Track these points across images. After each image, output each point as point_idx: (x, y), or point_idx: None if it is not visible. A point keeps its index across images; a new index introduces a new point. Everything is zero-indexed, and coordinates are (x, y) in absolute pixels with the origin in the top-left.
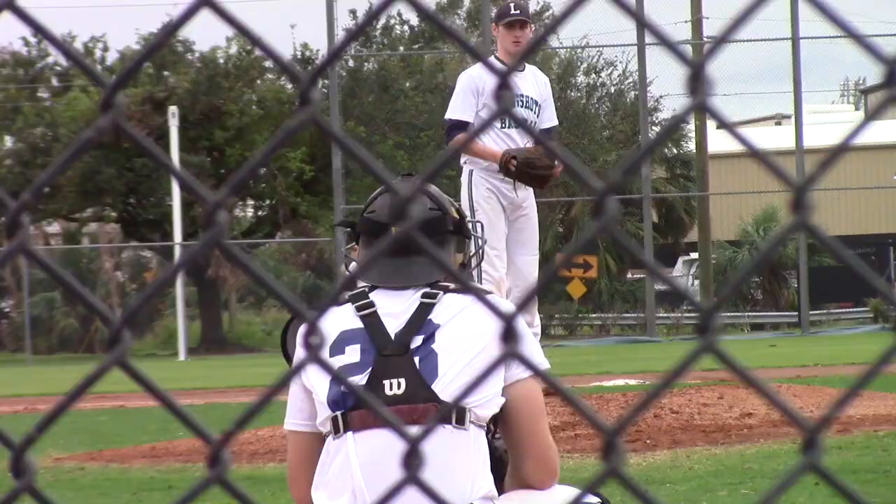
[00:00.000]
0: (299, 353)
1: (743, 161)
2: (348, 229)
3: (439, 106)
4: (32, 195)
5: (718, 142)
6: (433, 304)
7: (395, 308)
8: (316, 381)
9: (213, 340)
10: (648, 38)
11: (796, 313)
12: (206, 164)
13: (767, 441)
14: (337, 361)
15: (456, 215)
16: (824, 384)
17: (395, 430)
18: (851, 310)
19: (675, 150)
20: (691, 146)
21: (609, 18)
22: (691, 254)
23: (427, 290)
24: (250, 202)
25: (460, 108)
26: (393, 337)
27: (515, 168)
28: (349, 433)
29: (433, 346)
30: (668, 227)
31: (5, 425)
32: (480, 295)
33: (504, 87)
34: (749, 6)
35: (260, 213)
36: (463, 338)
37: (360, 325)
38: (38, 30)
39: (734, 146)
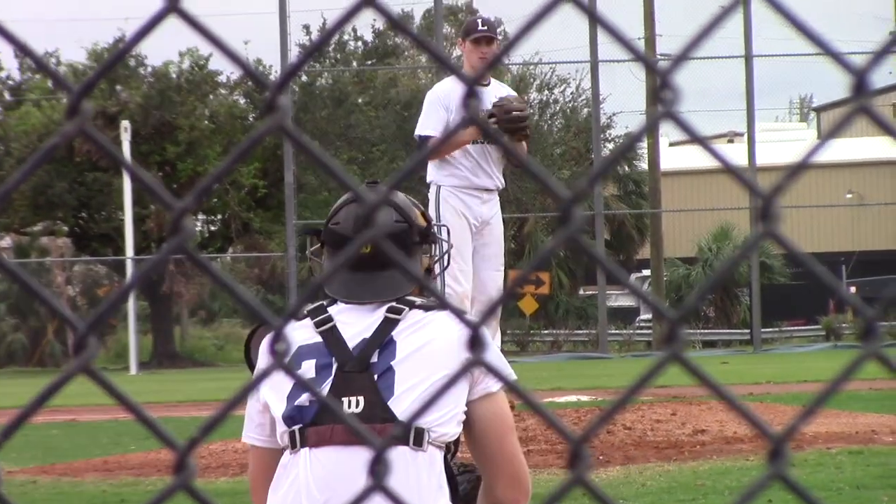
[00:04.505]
0: (262, 362)
1: (695, 178)
2: (314, 235)
3: (391, 121)
4: None
5: (671, 159)
6: (398, 321)
7: (358, 323)
8: (271, 397)
9: (164, 355)
10: (602, 55)
11: (748, 331)
12: (158, 179)
13: (720, 457)
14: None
15: (423, 221)
16: (777, 401)
17: (361, 438)
18: (803, 328)
19: (626, 168)
20: (643, 165)
21: (562, 35)
22: (643, 271)
23: (393, 304)
24: (201, 217)
25: (430, 122)
26: (354, 352)
27: (500, 123)
28: (304, 449)
29: (392, 362)
30: (618, 244)
31: None
32: (446, 303)
33: (471, 96)
34: (707, 25)
35: (212, 227)
36: (423, 354)
37: (318, 339)
38: (6, 36)
39: (687, 164)
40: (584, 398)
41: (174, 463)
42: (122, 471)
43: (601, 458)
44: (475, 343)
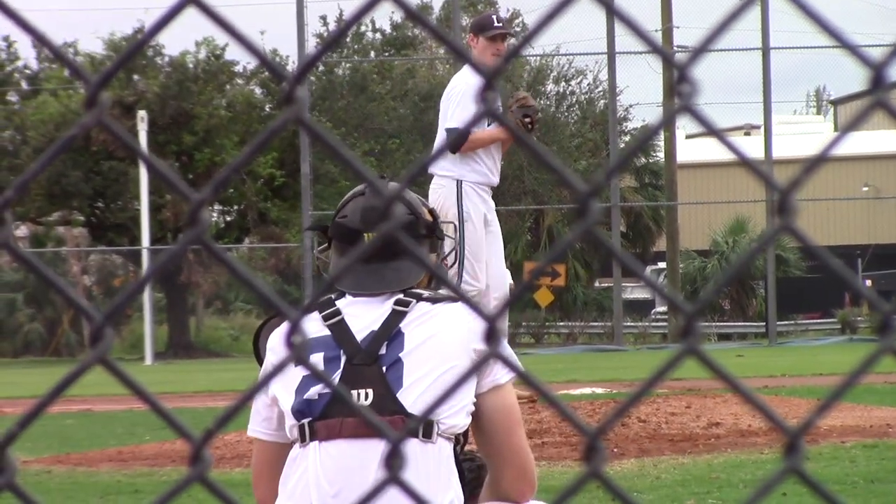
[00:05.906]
0: (270, 358)
1: (712, 171)
2: (320, 232)
3: (409, 113)
4: (16, 191)
5: (687, 151)
6: (405, 313)
7: (366, 316)
8: (279, 390)
9: (180, 345)
10: (619, 47)
11: (763, 323)
12: (175, 169)
13: (734, 450)
14: (301, 370)
15: (429, 217)
16: (792, 394)
17: (376, 431)
18: (819, 321)
19: (643, 160)
20: (660, 156)
21: (580, 27)
22: (659, 263)
23: (400, 297)
24: (217, 207)
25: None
26: (362, 345)
27: (532, 122)
28: (314, 443)
29: (400, 354)
30: (635, 237)
31: None
32: (462, 294)
33: (489, 89)
34: (725, 19)
35: (228, 217)
36: (430, 346)
37: (326, 332)
38: (23, 26)
39: (703, 156)
40: (600, 390)
41: (190, 454)
42: (136, 461)
43: (616, 450)
44: (491, 336)
